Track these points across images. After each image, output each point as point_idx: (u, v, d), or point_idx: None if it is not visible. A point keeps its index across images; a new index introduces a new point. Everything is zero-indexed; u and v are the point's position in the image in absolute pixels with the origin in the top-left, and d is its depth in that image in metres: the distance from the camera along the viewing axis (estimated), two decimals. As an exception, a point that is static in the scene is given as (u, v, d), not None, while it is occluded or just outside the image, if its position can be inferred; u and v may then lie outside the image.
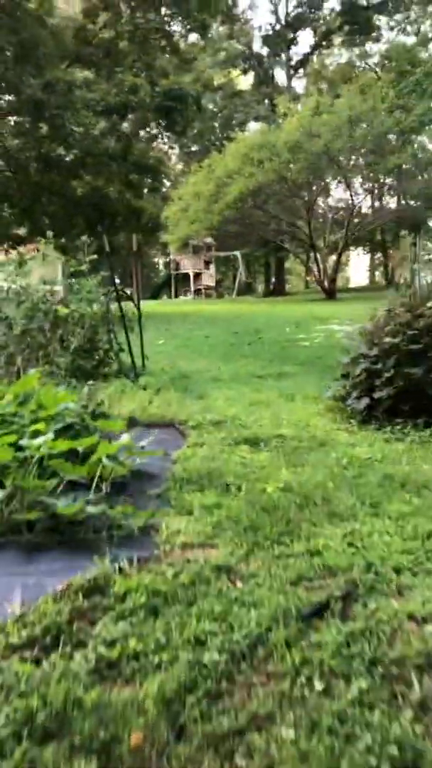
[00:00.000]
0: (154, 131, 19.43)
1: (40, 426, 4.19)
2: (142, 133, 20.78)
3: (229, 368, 8.91)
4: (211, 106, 56.22)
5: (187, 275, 45.63)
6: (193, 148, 56.91)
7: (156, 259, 63.90)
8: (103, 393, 6.57)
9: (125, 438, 3.96)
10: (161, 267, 58.19)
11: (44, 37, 15.19)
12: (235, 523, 3.33)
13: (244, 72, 57.71)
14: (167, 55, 18.96)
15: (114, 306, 8.51)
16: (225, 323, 16.42)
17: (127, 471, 4.03)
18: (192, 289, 44.94)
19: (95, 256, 8.60)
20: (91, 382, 5.70)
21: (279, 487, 3.89)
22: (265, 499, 3.67)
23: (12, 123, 20.47)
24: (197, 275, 45.92)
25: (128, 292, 8.79)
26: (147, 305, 29.93)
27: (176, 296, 45.12)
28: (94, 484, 3.81)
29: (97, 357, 8.10)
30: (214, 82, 20.47)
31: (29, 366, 6.77)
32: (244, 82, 57.75)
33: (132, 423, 5.76)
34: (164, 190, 47.82)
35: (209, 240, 43.56)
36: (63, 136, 18.49)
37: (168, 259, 49.66)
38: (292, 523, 3.38)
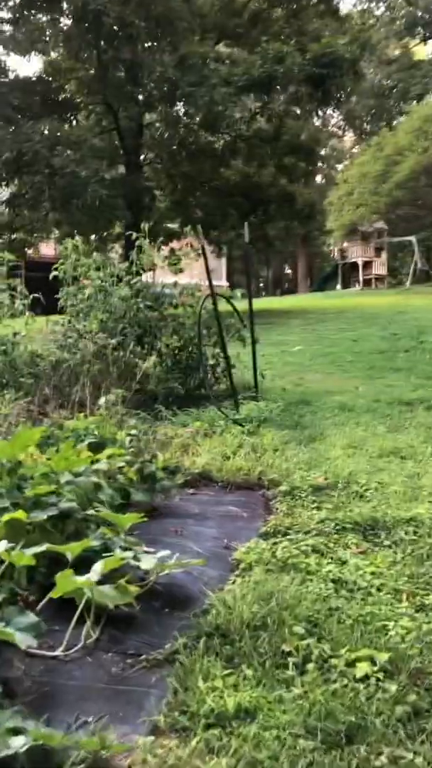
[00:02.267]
0: (308, 107, 17.62)
1: (20, 515, 2.85)
2: (296, 110, 19.04)
3: (370, 389, 7.08)
4: (386, 82, 52.88)
5: (355, 264, 42.99)
6: (368, 128, 53.86)
7: (330, 248, 61.47)
8: (184, 432, 5.13)
9: (111, 558, 2.46)
10: (336, 256, 55.64)
11: (180, 11, 14.01)
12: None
13: (424, 40, 53.51)
14: (323, 20, 17.05)
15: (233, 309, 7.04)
16: (384, 321, 14.31)
17: (134, 597, 2.54)
18: (360, 279, 42.23)
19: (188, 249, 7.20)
20: (136, 426, 4.26)
21: (378, 665, 2.19)
22: (346, 698, 2.00)
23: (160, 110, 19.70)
24: (366, 264, 43.04)
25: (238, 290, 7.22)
26: (304, 299, 28.22)
27: (345, 287, 42.69)
28: (70, 628, 2.39)
29: (198, 375, 6.71)
30: (374, 43, 18.08)
31: (102, 392, 5.50)
32: (424, 51, 53.68)
33: (204, 482, 4.27)
34: (337, 174, 45.42)
35: (380, 225, 40.62)
36: (209, 119, 17.32)
37: (338, 248, 47.03)
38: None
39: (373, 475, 4.17)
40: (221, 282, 49.40)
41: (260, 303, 29.81)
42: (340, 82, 15.65)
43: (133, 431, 3.91)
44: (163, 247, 26.49)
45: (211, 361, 6.88)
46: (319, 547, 3.20)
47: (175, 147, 19.57)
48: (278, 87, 15.59)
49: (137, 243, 6.84)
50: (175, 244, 27.50)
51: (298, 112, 18.83)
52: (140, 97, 16.44)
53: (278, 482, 4.11)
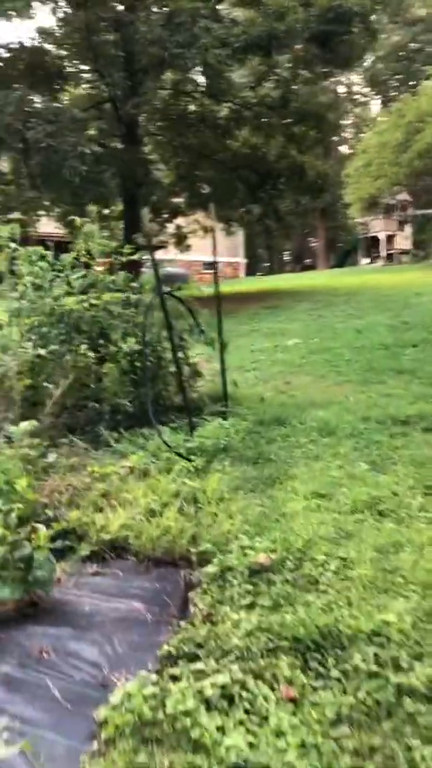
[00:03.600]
0: (317, 69, 16.25)
1: None
2: (304, 74, 17.62)
3: (363, 399, 6.02)
4: (412, 44, 50.34)
5: (377, 238, 41.33)
6: (394, 94, 51.61)
7: (355, 220, 59.48)
8: (118, 468, 4.15)
9: None
10: (358, 230, 53.65)
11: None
12: None
13: (457, -2, 50.93)
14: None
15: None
16: (397, 306, 13.11)
17: None
18: (383, 254, 40.61)
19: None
20: (53, 465, 3.30)
21: None
22: None
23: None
24: (389, 238, 41.38)
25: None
26: (320, 277, 26.93)
27: (372, 262, 41.15)
28: None
29: (157, 386, 5.73)
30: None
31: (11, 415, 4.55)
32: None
33: (116, 552, 3.31)
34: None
35: (404, 197, 38.84)
36: (211, 86, 16.11)
37: (360, 221, 45.24)
38: None
39: (337, 545, 3.15)
40: (239, 258, 48.01)
41: (271, 282, 28.60)
42: (351, 40, 14.26)
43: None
44: (167, 224, 25.18)
45: (174, 368, 5.87)
46: (233, 688, 2.23)
47: (175, 117, 18.35)
48: (280, 47, 14.28)
49: (84, 228, 5.79)
50: (181, 221, 26.31)
51: (308, 75, 17.46)
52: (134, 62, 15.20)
53: (210, 556, 3.12)
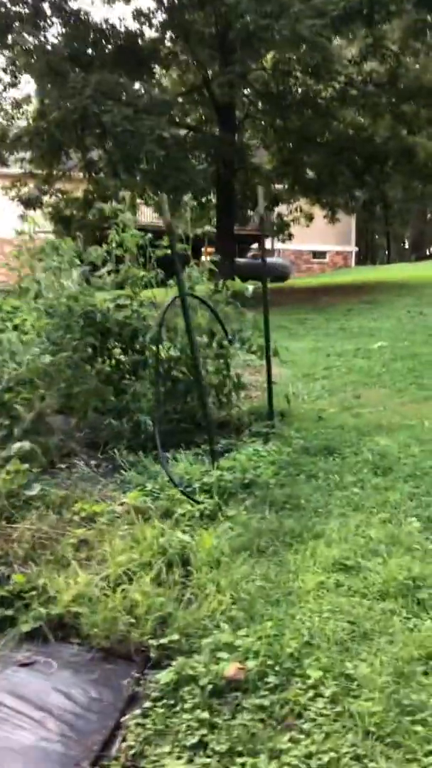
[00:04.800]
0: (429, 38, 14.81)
1: None
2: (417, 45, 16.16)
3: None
4: None
5: None
6: None
7: None
8: (111, 506, 3.47)
9: None
10: None
11: None
12: None
13: None
14: None
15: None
16: None
17: None
18: None
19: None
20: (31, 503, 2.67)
21: None
22: None
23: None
24: None
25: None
26: (430, 268, 25.05)
27: None
28: None
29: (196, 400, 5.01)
30: None
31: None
32: None
33: (63, 632, 2.63)
34: None
35: None
36: (315, 63, 15.09)
37: None
38: None
39: (345, 654, 2.31)
40: (349, 247, 46.24)
41: (379, 273, 27.00)
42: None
43: None
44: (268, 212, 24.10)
45: (215, 379, 5.13)
46: None
47: (276, 98, 17.43)
48: (385, 14, 12.97)
49: (120, 218, 5.13)
50: (282, 208, 25.25)
51: (418, 47, 16.02)
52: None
53: (175, 652, 2.37)
